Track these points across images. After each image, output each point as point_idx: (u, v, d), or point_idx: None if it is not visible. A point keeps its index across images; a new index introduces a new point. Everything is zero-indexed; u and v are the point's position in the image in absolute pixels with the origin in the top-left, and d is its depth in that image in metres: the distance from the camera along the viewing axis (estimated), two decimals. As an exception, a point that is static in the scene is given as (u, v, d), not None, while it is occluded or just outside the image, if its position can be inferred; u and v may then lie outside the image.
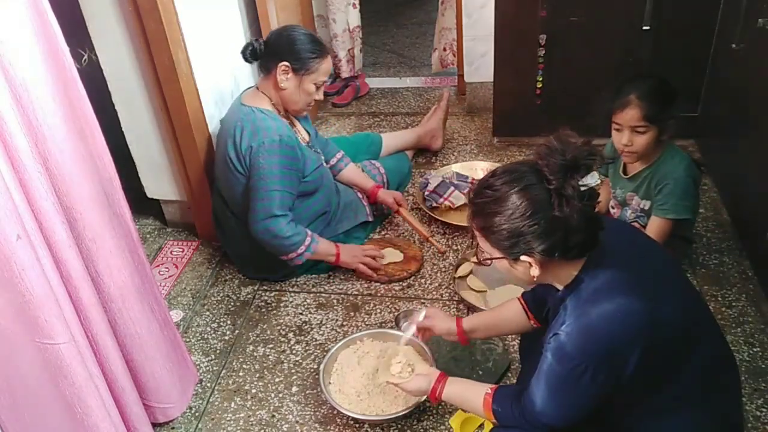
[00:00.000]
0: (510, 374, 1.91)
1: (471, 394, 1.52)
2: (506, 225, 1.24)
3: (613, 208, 2.15)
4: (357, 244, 2.36)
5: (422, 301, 2.21)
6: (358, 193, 2.49)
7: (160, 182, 2.55)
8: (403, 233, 2.53)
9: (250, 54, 2.13)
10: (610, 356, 1.23)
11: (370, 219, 2.49)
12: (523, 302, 1.63)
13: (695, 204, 2.01)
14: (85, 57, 2.39)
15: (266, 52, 2.13)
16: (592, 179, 1.22)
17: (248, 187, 2.13)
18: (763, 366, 1.87)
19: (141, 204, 2.60)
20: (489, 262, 1.33)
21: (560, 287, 1.34)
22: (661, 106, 1.86)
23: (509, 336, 2.01)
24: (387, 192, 2.48)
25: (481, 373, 1.90)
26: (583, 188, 1.21)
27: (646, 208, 2.02)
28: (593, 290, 1.25)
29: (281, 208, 2.11)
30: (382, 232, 2.55)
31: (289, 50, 2.09)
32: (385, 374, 1.75)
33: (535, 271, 1.29)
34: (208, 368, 2.06)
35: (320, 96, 2.20)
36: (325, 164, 2.39)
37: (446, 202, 2.56)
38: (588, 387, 1.25)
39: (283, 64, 2.09)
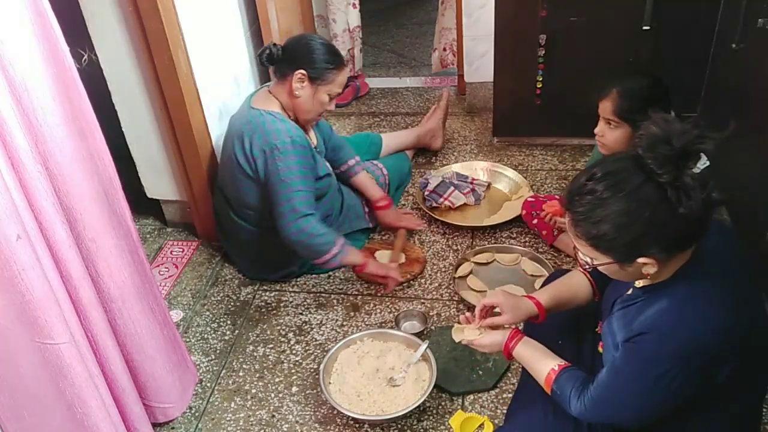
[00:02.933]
0: (510, 374, 1.91)
1: (539, 364, 1.44)
2: (620, 232, 1.13)
3: None
4: (383, 263, 2.29)
5: (422, 301, 2.21)
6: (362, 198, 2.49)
7: (160, 182, 2.55)
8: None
9: (267, 58, 2.11)
10: (706, 364, 1.16)
11: (370, 225, 2.49)
12: (590, 277, 1.55)
13: None
14: (85, 57, 2.39)
15: (283, 58, 2.11)
16: (702, 162, 1.11)
17: (268, 193, 2.09)
18: (763, 366, 1.87)
19: (141, 204, 2.59)
20: (591, 268, 1.24)
21: (650, 282, 1.24)
22: (638, 107, 1.84)
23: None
24: (392, 214, 2.47)
25: (480, 373, 1.90)
26: (698, 174, 1.10)
27: None
28: (691, 290, 1.18)
29: (309, 207, 2.08)
30: (383, 233, 2.55)
31: (307, 59, 2.08)
32: (459, 334, 1.61)
33: (651, 269, 1.18)
34: (208, 368, 2.06)
35: (332, 106, 2.18)
36: (331, 171, 2.36)
37: (446, 202, 2.56)
38: (675, 394, 1.18)
39: (300, 72, 2.07)
